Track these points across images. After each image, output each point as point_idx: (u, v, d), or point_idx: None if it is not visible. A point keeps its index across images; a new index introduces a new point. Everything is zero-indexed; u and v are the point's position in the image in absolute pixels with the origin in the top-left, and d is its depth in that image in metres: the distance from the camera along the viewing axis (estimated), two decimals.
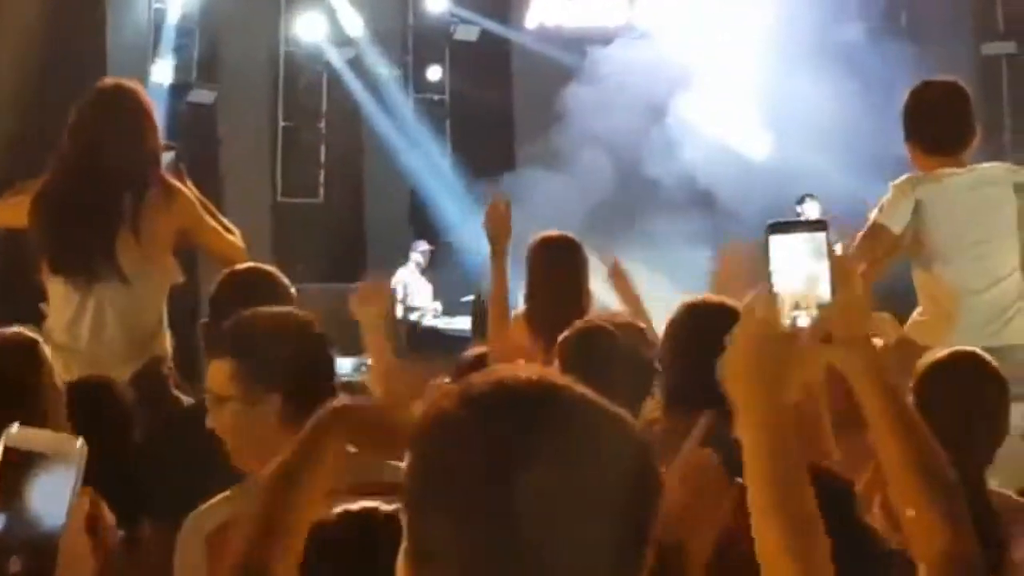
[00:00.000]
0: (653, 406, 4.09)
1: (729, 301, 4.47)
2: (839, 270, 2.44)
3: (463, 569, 1.67)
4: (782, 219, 2.51)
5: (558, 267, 6.00)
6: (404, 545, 1.75)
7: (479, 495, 1.66)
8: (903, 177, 6.29)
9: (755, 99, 17.39)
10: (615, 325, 4.36)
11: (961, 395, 3.86)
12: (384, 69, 18.54)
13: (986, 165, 6.30)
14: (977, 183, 6.15)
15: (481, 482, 1.66)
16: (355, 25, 18.33)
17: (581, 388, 1.77)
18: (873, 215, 6.22)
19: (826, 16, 16.73)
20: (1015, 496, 4.01)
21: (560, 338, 4.35)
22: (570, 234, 6.23)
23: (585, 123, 17.73)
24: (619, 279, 5.99)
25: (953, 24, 17.86)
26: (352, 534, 2.63)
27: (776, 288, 2.44)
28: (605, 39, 18.00)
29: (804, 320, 2.42)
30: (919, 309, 6.19)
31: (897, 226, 6.13)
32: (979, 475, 3.78)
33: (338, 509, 2.67)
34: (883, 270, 6.10)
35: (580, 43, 18.08)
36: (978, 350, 4.08)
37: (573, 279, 5.97)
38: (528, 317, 5.93)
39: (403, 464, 1.76)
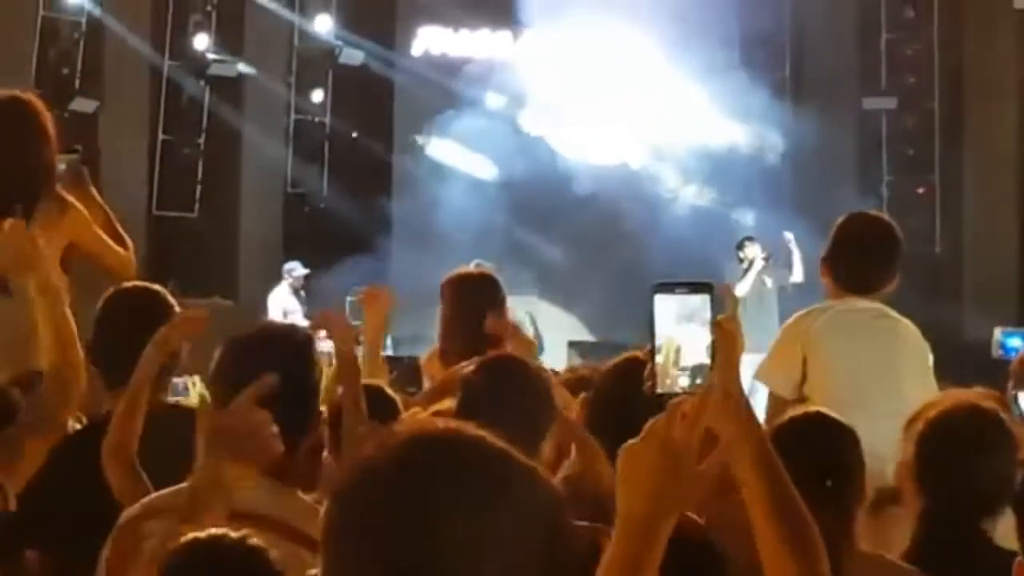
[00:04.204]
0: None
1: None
2: (720, 335, 2.47)
3: None
4: (667, 279, 2.51)
5: (468, 303, 5.77)
6: None
7: (397, 542, 1.73)
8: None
9: (638, 134, 17.67)
10: (520, 362, 4.24)
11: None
12: (266, 88, 18.58)
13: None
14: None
15: (400, 530, 1.73)
16: (240, 43, 18.37)
17: (499, 441, 1.84)
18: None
19: (710, 63, 17.00)
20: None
21: (464, 372, 4.23)
22: (486, 269, 6.06)
23: (465, 151, 17.92)
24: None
25: (836, 77, 18.22)
26: (201, 560, 2.73)
27: (658, 348, 2.47)
28: (489, 69, 18.16)
29: (684, 381, 2.46)
30: None
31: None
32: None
33: (187, 537, 2.76)
34: None
35: (464, 72, 18.23)
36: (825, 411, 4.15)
37: (484, 314, 5.69)
38: (443, 353, 5.74)
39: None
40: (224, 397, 3.51)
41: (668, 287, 2.50)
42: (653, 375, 2.50)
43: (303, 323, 16.13)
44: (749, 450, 2.52)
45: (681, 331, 2.49)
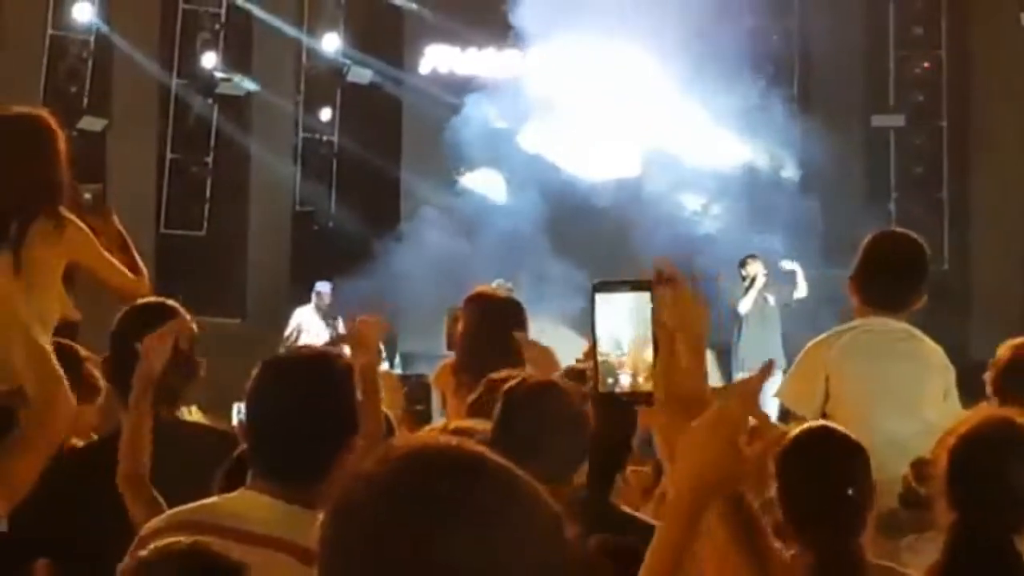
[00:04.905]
0: None
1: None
2: (660, 332, 2.48)
3: None
4: (607, 278, 2.53)
5: (492, 323, 5.77)
6: None
7: (394, 556, 1.71)
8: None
9: (646, 152, 17.69)
10: (560, 386, 4.19)
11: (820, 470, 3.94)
12: (274, 106, 18.61)
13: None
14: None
15: (398, 544, 1.71)
16: (248, 61, 18.41)
17: (500, 459, 1.82)
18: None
19: (718, 81, 17.01)
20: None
21: (505, 388, 4.19)
22: (505, 291, 6.05)
23: (474, 170, 17.93)
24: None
25: (844, 95, 18.23)
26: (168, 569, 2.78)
27: (599, 347, 2.48)
28: (497, 87, 18.16)
29: (626, 379, 2.48)
30: None
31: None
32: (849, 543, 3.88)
33: (151, 546, 2.82)
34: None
35: (472, 91, 18.22)
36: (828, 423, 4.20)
37: (507, 336, 5.63)
38: (456, 368, 5.75)
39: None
40: (257, 420, 3.52)
41: (608, 286, 2.52)
42: (595, 374, 2.52)
43: (318, 342, 16.16)
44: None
45: (626, 332, 2.50)
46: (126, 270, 5.87)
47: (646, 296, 2.49)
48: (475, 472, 1.78)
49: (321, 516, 3.22)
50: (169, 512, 3.55)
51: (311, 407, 3.49)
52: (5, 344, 5.44)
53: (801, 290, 15.60)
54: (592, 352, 2.53)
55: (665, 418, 2.54)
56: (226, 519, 3.41)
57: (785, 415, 5.97)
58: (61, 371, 4.09)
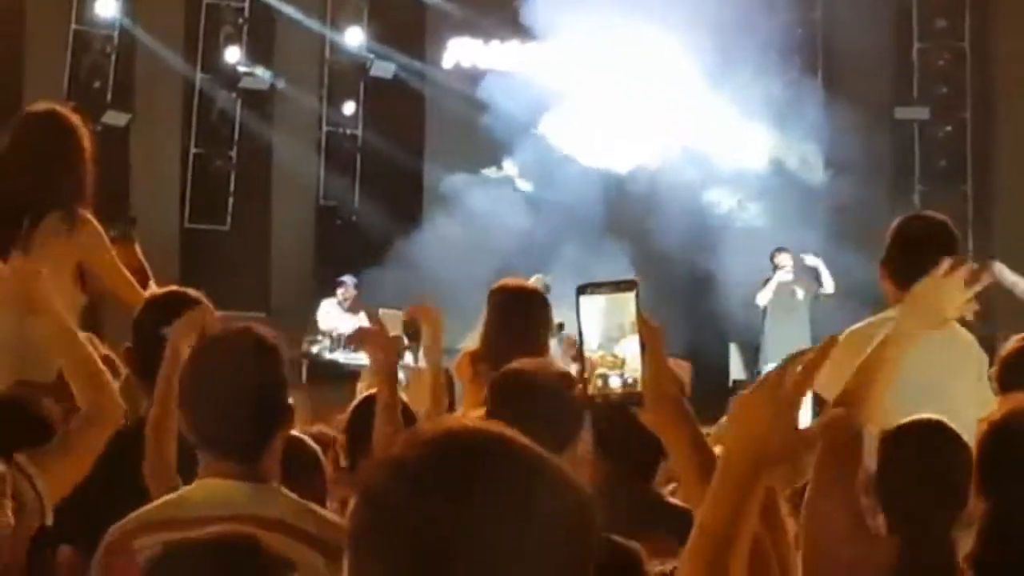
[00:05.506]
0: None
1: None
2: (645, 331, 2.49)
3: None
4: (591, 281, 2.53)
5: (513, 315, 5.72)
6: None
7: (426, 539, 1.73)
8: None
9: (671, 146, 17.67)
10: (541, 371, 4.19)
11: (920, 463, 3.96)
12: (297, 100, 18.63)
13: None
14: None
15: (427, 528, 1.73)
16: (271, 56, 18.44)
17: (525, 440, 1.83)
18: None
19: (743, 73, 16.98)
20: None
21: (489, 382, 4.24)
22: (531, 284, 6.06)
23: (497, 162, 17.92)
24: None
25: (868, 87, 18.19)
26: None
27: (586, 347, 2.49)
28: (519, 80, 18.13)
29: (615, 380, 2.49)
30: None
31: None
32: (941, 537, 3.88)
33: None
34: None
35: (494, 84, 18.21)
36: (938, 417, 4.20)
37: (527, 328, 5.67)
38: (475, 357, 5.72)
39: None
40: (190, 397, 3.57)
41: (593, 287, 2.52)
42: (583, 378, 2.52)
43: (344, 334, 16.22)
44: (687, 435, 2.57)
45: (611, 332, 2.50)
46: (137, 286, 5.82)
47: (630, 296, 2.49)
48: (501, 454, 1.80)
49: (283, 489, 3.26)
50: (135, 513, 3.55)
51: (245, 382, 3.52)
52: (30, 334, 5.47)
53: (828, 285, 15.53)
54: (579, 355, 2.53)
55: (652, 416, 2.54)
56: (193, 511, 3.43)
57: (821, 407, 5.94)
58: (108, 375, 4.14)
